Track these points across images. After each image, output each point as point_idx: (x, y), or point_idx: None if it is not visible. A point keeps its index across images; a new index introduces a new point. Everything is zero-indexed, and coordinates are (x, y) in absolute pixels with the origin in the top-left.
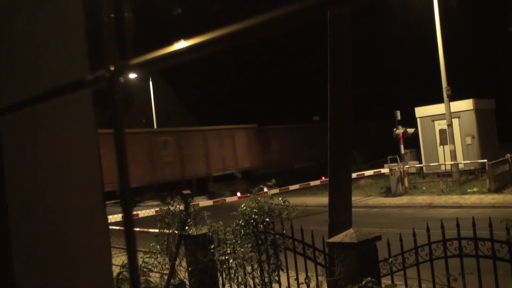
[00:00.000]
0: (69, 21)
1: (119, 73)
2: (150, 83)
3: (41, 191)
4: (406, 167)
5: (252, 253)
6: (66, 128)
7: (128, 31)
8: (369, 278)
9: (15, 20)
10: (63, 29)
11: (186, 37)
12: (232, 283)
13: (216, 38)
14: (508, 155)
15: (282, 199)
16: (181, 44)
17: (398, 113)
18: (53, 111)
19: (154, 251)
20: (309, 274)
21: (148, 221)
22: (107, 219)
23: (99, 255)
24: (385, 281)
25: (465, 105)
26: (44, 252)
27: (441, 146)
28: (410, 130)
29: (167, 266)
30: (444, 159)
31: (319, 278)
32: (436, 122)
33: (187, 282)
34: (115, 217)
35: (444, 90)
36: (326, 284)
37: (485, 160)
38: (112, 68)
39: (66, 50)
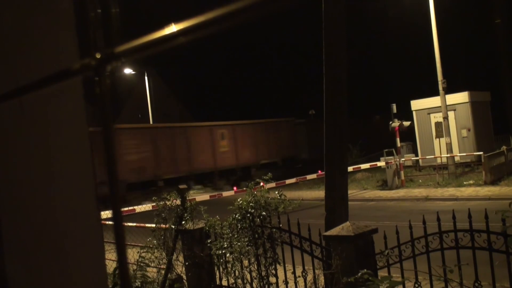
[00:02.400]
0: (58, 10)
1: (106, 61)
2: (146, 78)
3: (32, 185)
4: (402, 160)
5: (249, 247)
6: (56, 121)
7: (114, 19)
8: (365, 270)
9: (2, 10)
10: (52, 19)
11: (175, 21)
12: (229, 277)
13: (204, 22)
14: (504, 147)
15: (278, 193)
16: (171, 29)
17: (394, 106)
18: (42, 103)
19: (151, 246)
20: (306, 267)
21: (145, 216)
22: (100, 213)
23: (92, 250)
24: (382, 273)
25: (461, 97)
26: (36, 247)
27: (437, 139)
28: (406, 123)
29: (164, 261)
30: (440, 151)
31: (316, 271)
32: (432, 115)
33: (184, 277)
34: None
35: (439, 82)
36: (323, 277)
37: (481, 153)
38: (98, 56)
39: (55, 40)
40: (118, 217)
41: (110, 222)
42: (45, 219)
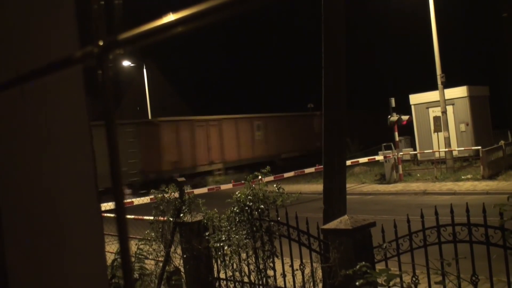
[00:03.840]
0: None
1: (108, 48)
2: (144, 70)
3: (32, 176)
4: (401, 154)
5: (247, 240)
6: (56, 111)
7: (117, 7)
8: (364, 263)
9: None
10: (52, 7)
11: (177, 10)
12: (227, 270)
13: (206, 10)
14: (502, 142)
15: (276, 186)
16: (172, 17)
17: (393, 100)
18: (43, 93)
19: (149, 238)
20: (304, 260)
21: (143, 209)
22: (100, 205)
23: (92, 241)
24: (379, 266)
25: (460, 92)
26: (36, 238)
27: (436, 133)
28: (405, 117)
29: (162, 253)
30: (438, 146)
31: (314, 264)
32: (430, 109)
33: (182, 269)
34: (109, 205)
35: (438, 77)
36: (320, 270)
37: (479, 147)
38: (101, 44)
39: (56, 28)
40: (120, 210)
41: (108, 215)
42: (45, 211)
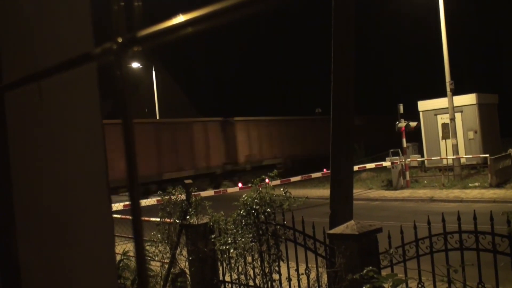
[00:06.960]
0: None
1: (127, 45)
2: (153, 72)
3: (46, 174)
4: (408, 161)
5: (253, 244)
6: (71, 110)
7: (136, 4)
8: (370, 268)
9: None
10: (69, 4)
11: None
12: (232, 273)
13: (224, 9)
14: (510, 150)
15: (283, 190)
16: (179, 19)
17: (401, 107)
18: (58, 90)
19: (155, 239)
20: (309, 265)
21: (149, 210)
22: (111, 204)
23: (102, 240)
24: (385, 272)
25: (468, 99)
26: (48, 235)
27: (443, 140)
28: (413, 124)
29: (168, 255)
30: (446, 153)
31: (320, 269)
32: (438, 116)
33: (187, 271)
34: (116, 206)
35: (447, 84)
36: (326, 275)
37: (487, 155)
38: (120, 40)
39: (72, 26)
40: (136, 211)
41: (115, 215)
42: (57, 209)
